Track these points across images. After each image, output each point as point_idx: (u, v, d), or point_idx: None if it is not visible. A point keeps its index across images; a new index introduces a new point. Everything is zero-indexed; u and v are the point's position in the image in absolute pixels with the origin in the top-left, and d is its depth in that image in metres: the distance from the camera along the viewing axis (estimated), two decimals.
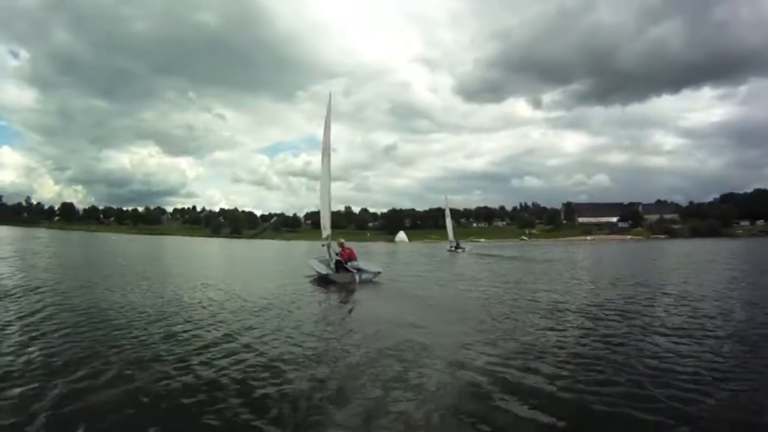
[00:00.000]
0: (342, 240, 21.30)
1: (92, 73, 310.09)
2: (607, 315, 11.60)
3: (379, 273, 20.02)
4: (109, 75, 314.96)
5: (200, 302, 13.01)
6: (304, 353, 8.02)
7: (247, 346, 8.37)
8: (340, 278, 19.05)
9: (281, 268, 28.59)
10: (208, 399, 5.79)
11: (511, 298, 15.03)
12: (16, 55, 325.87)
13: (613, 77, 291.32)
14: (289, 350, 8.41)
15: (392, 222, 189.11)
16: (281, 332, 9.71)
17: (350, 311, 13.30)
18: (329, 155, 22.04)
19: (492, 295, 15.90)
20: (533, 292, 16.39)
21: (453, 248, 54.53)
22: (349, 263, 19.68)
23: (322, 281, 19.15)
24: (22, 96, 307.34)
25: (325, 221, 21.95)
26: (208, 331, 9.25)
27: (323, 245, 21.75)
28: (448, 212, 69.05)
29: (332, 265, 20.09)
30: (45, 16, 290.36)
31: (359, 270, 19.40)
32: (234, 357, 7.59)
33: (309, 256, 25.92)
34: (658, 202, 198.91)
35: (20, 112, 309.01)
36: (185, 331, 9.40)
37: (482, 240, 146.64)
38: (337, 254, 20.41)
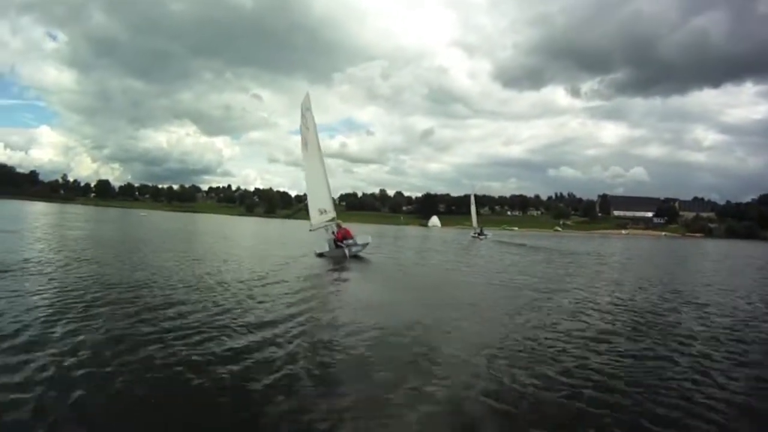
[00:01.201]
0: (339, 221, 23.59)
1: (130, 54, 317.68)
2: (603, 324, 9.87)
3: (366, 244, 22.86)
4: (147, 56, 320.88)
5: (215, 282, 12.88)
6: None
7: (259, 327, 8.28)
8: (332, 254, 22.06)
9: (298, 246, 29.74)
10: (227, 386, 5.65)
11: (500, 288, 14.93)
12: (54, 38, 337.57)
13: (654, 68, 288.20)
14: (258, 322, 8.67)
15: (426, 206, 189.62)
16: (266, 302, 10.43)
17: (318, 292, 13.09)
18: (320, 149, 24.18)
19: (480, 284, 15.95)
20: (528, 284, 15.54)
21: (476, 235, 56.91)
22: (344, 241, 22.18)
23: (321, 257, 21.91)
24: (61, 77, 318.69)
25: (327, 206, 23.84)
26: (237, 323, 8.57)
27: (311, 230, 24.29)
28: (473, 199, 69.79)
29: (330, 245, 22.72)
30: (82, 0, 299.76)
31: (349, 246, 21.95)
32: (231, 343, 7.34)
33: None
34: (695, 199, 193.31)
35: (59, 93, 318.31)
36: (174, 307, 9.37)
37: (515, 228, 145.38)
38: (333, 233, 22.91)
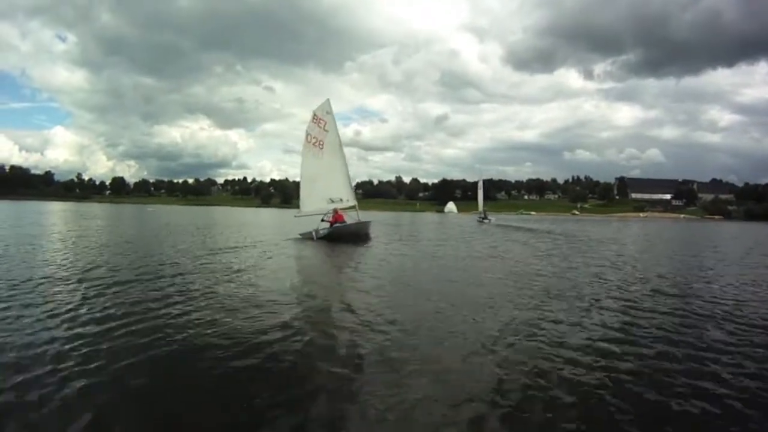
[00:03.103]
0: (336, 207, 27.09)
1: (139, 51, 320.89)
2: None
3: (327, 229, 25.85)
4: (157, 52, 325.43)
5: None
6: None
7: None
8: (306, 235, 25.72)
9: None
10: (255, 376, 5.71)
11: (469, 272, 15.13)
12: (63, 39, 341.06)
13: (666, 48, 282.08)
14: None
15: (442, 192, 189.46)
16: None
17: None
18: (341, 146, 28.21)
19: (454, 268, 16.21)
20: (508, 270, 15.45)
21: (481, 219, 61.44)
22: (335, 224, 26.05)
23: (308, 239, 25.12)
24: (72, 78, 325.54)
25: (345, 195, 27.77)
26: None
27: (296, 216, 28.63)
28: (480, 184, 71.60)
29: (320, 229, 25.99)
30: (89, 0, 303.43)
31: (321, 230, 25.74)
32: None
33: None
34: (713, 181, 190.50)
35: (71, 93, 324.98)
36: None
37: (533, 213, 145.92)
38: (329, 218, 26.73)
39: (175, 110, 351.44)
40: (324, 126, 27.53)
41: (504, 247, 25.70)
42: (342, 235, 25.17)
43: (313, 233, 25.48)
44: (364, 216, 28.92)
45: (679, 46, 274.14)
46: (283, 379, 5.67)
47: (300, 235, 26.24)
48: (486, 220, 59.52)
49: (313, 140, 27.58)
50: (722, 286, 12.92)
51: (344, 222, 26.56)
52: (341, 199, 27.70)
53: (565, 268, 15.98)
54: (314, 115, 27.76)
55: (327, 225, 26.37)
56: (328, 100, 28.27)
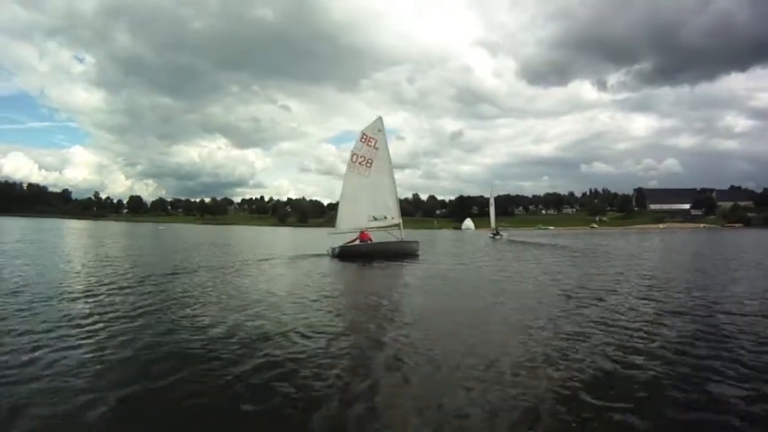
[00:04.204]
0: (378, 225, 27.90)
1: (157, 72, 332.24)
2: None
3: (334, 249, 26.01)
4: (173, 73, 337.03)
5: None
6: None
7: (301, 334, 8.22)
8: (331, 252, 26.06)
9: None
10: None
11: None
12: (81, 60, 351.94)
13: (679, 54, 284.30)
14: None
15: (459, 209, 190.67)
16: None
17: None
18: (390, 163, 28.63)
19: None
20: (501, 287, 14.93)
21: (493, 235, 61.32)
22: (357, 241, 26.52)
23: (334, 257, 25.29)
24: (91, 98, 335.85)
25: (389, 212, 28.02)
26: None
27: (330, 234, 28.71)
28: (492, 201, 71.62)
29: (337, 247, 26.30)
30: (105, 22, 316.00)
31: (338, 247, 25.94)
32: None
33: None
34: (732, 188, 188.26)
35: (90, 113, 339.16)
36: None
37: (551, 228, 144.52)
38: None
39: (192, 130, 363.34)
40: (374, 144, 27.96)
41: (498, 265, 23.85)
42: (368, 254, 25.17)
43: (330, 250, 26.18)
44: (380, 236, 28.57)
45: (692, 52, 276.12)
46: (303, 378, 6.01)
47: (327, 251, 26.63)
48: (498, 237, 59.92)
49: (360, 159, 27.88)
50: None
51: (369, 241, 26.80)
52: (385, 217, 28.01)
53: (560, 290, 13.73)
54: (362, 134, 28.13)
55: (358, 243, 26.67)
56: (380, 117, 28.71)
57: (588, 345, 7.44)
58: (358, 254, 25.14)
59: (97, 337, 7.72)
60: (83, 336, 7.77)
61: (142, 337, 7.78)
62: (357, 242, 26.60)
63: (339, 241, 26.78)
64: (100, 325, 8.58)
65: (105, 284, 13.46)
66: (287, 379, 5.95)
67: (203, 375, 6.07)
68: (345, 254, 25.31)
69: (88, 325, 8.57)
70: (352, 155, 28.17)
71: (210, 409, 5.11)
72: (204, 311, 10.04)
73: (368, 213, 27.78)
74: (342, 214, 28.29)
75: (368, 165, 27.88)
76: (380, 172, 28.03)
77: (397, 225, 28.30)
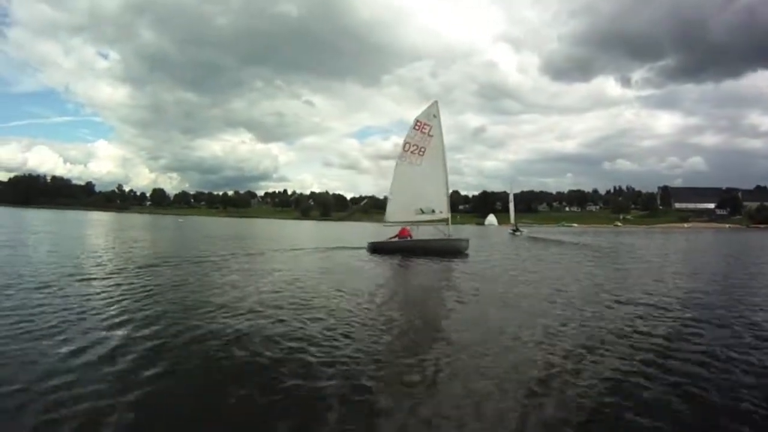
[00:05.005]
0: (426, 219, 26.74)
1: (180, 68, 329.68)
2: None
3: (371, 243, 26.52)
4: (197, 69, 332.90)
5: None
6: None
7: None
8: (371, 248, 26.01)
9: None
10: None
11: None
12: (105, 56, 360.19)
13: (704, 51, 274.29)
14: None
15: (483, 204, 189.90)
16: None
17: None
18: (444, 153, 27.18)
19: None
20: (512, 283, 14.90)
21: (513, 231, 62.39)
22: (396, 237, 26.43)
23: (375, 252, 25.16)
24: (115, 94, 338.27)
25: (438, 207, 26.73)
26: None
27: (384, 225, 27.53)
28: (511, 197, 72.03)
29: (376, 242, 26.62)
30: (129, 19, 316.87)
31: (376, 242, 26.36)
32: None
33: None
34: (758, 188, 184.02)
35: (114, 108, 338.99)
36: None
37: (574, 225, 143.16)
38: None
39: (215, 124, 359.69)
40: (429, 131, 26.75)
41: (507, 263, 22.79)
42: (408, 249, 24.77)
43: (369, 245, 26.23)
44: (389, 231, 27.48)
45: (717, 48, 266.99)
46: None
47: (369, 244, 26.53)
48: (518, 233, 60.59)
49: (413, 148, 26.77)
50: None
51: (408, 237, 26.33)
52: (433, 210, 26.79)
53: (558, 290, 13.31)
54: (416, 121, 26.90)
55: (396, 240, 26.36)
56: (435, 102, 27.65)
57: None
58: (398, 251, 24.72)
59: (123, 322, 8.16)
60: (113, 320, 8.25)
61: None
62: (396, 239, 26.36)
63: (386, 234, 26.95)
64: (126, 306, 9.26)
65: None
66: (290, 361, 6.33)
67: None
68: (383, 250, 25.20)
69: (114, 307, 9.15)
70: (405, 144, 27.10)
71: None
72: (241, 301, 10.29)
73: (416, 206, 26.74)
74: (391, 206, 27.49)
75: (420, 153, 26.84)
76: (433, 161, 26.91)
77: (445, 220, 27.11)
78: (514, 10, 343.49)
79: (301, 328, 8.12)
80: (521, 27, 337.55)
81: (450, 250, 25.10)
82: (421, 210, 26.75)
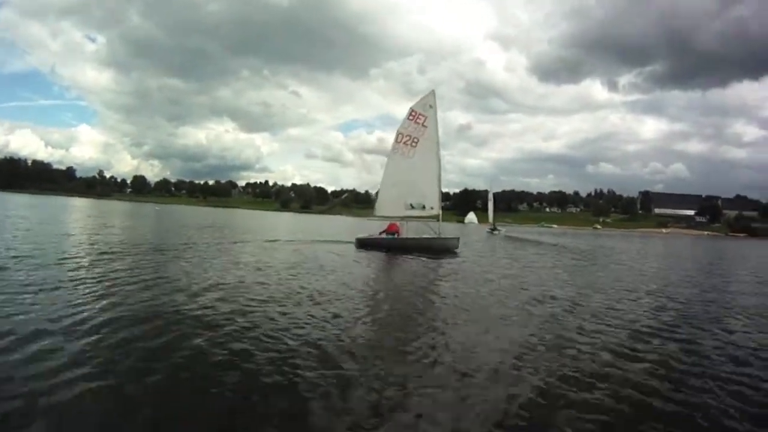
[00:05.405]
0: (415, 215, 25.90)
1: (167, 54, 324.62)
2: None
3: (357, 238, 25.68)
4: (185, 55, 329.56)
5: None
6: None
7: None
8: (359, 243, 25.22)
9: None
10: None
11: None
12: (93, 40, 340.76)
13: (693, 59, 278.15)
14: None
15: (464, 202, 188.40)
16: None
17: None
18: (438, 146, 26.21)
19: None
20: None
21: (491, 230, 62.17)
22: (384, 233, 25.64)
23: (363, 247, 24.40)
24: (101, 78, 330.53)
25: (429, 202, 25.91)
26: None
27: (369, 219, 27.42)
28: (491, 196, 71.97)
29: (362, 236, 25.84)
30: (119, 4, 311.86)
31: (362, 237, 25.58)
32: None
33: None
34: (738, 197, 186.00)
35: (99, 92, 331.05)
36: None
37: (554, 226, 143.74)
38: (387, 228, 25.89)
39: (200, 112, 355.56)
40: (423, 122, 25.66)
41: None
42: (393, 247, 23.99)
43: (357, 238, 25.58)
44: (375, 227, 26.63)
45: (706, 57, 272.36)
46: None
47: (357, 239, 25.70)
48: (496, 232, 60.43)
49: (405, 139, 25.70)
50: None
51: (395, 233, 25.60)
52: (423, 206, 25.88)
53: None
54: (411, 111, 25.81)
55: (385, 235, 25.65)
56: (433, 91, 26.46)
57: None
58: (388, 247, 23.90)
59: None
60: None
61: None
62: (384, 235, 25.67)
63: (368, 228, 26.52)
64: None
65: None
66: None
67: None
68: (371, 245, 24.33)
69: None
70: (398, 135, 25.95)
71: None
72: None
73: (406, 200, 25.75)
74: (380, 199, 26.39)
75: (413, 144, 25.72)
76: (425, 153, 25.81)
77: (436, 216, 26.26)
78: (506, 10, 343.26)
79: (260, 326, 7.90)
80: (512, 26, 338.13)
81: (441, 249, 24.53)
82: (411, 205, 25.88)
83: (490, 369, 6.35)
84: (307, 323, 8.18)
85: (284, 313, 8.86)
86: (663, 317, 10.48)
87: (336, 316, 8.90)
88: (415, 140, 25.73)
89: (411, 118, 25.84)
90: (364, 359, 6.57)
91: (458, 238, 26.61)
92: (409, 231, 26.09)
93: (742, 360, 7.48)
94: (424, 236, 25.82)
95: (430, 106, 26.03)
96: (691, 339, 8.63)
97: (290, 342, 7.04)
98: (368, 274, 16.27)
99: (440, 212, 26.32)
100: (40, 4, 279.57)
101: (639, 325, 9.45)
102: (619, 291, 14.38)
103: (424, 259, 20.61)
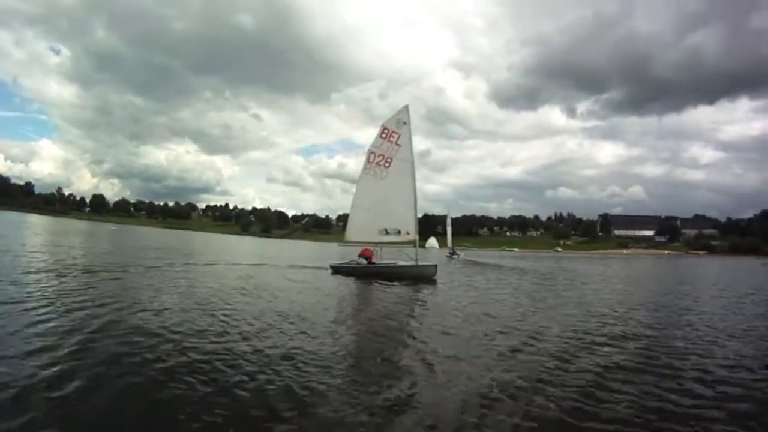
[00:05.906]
0: (390, 240, 24.25)
1: (131, 70, 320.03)
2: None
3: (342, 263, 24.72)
4: (148, 73, 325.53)
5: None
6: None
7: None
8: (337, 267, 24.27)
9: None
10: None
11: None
12: (57, 52, 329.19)
13: (649, 86, 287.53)
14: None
15: (424, 227, 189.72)
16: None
17: None
18: (413, 165, 24.51)
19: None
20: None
21: (450, 254, 60.49)
22: (359, 259, 24.33)
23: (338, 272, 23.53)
24: (63, 92, 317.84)
25: (405, 227, 24.15)
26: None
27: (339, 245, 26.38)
28: (449, 221, 72.07)
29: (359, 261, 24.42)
30: (85, 15, 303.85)
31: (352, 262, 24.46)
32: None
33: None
34: (696, 216, 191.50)
35: (60, 106, 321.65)
36: None
37: (515, 249, 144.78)
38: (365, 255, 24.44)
39: (162, 132, 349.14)
40: (396, 140, 24.15)
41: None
42: (366, 274, 22.61)
43: (332, 265, 24.56)
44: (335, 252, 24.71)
45: (662, 83, 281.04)
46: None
47: (330, 266, 24.54)
48: (455, 256, 59.49)
49: (378, 159, 24.23)
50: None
51: (368, 258, 24.31)
52: (399, 231, 24.23)
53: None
54: (383, 129, 24.36)
55: (363, 260, 24.18)
56: (406, 106, 24.94)
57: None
58: (363, 274, 22.56)
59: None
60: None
61: None
62: (357, 260, 24.37)
63: (347, 254, 25.43)
64: None
65: None
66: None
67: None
68: (347, 272, 23.23)
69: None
70: (369, 155, 24.51)
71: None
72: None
73: (380, 225, 24.24)
74: (351, 223, 25.06)
75: (386, 165, 24.19)
76: (399, 175, 24.12)
77: (413, 242, 24.54)
78: (467, 37, 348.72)
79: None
80: (473, 54, 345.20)
81: (418, 277, 22.88)
82: (386, 230, 24.39)
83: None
84: (251, 361, 7.36)
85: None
86: (628, 344, 9.71)
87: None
88: (388, 160, 24.30)
89: (383, 136, 24.40)
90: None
91: (436, 266, 24.22)
92: (383, 256, 24.85)
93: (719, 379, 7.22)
94: (400, 263, 24.38)
95: (404, 123, 24.56)
96: (655, 352, 8.70)
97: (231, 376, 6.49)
98: (332, 304, 14.86)
99: (417, 237, 24.53)
100: (4, 10, 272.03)
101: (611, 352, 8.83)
102: (584, 314, 13.66)
103: (396, 286, 19.55)
